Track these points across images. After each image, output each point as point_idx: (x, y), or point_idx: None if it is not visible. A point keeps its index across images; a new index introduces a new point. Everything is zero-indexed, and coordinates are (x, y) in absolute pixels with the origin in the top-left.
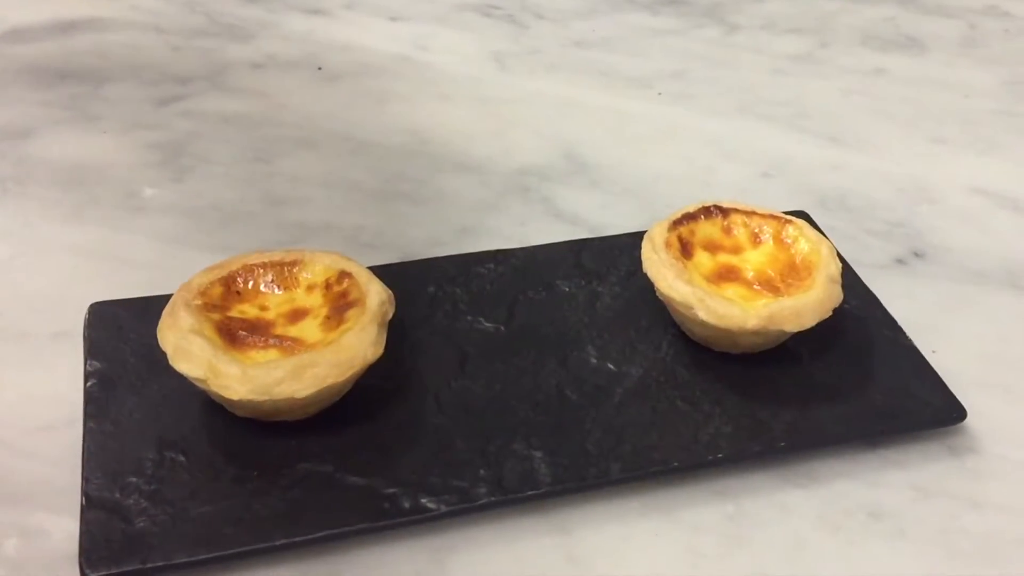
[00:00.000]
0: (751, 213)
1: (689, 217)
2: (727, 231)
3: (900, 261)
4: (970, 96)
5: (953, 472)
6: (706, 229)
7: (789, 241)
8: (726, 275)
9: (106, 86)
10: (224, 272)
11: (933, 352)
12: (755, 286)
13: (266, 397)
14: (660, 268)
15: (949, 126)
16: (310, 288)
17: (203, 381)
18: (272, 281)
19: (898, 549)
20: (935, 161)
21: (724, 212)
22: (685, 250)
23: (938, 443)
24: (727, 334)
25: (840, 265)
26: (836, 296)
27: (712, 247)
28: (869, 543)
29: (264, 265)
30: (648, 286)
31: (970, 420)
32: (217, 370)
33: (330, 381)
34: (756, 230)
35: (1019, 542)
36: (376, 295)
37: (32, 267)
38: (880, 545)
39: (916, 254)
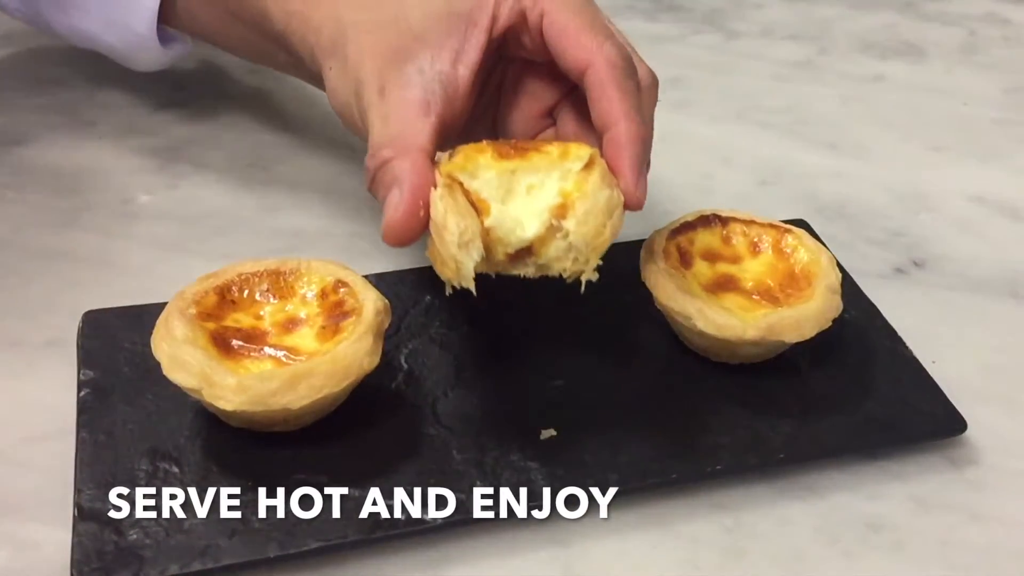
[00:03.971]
0: (750, 222)
1: (688, 226)
2: (726, 240)
3: (899, 270)
4: (969, 104)
5: (953, 484)
6: (705, 238)
7: (788, 251)
8: (725, 285)
9: (101, 91)
10: (219, 281)
11: (933, 362)
12: (754, 296)
13: (261, 408)
14: (658, 278)
15: (948, 134)
16: (306, 297)
17: (197, 391)
18: (267, 290)
19: (897, 561)
20: (934, 169)
21: (723, 221)
22: (684, 259)
23: (938, 455)
24: (726, 344)
25: (840, 275)
26: (836, 306)
27: (711, 256)
28: (868, 555)
29: (259, 274)
30: (646, 295)
31: (971, 431)
32: (211, 380)
33: (325, 392)
34: (755, 239)
35: (1019, 554)
36: (372, 304)
37: (26, 274)
38: (879, 557)
39: (916, 263)
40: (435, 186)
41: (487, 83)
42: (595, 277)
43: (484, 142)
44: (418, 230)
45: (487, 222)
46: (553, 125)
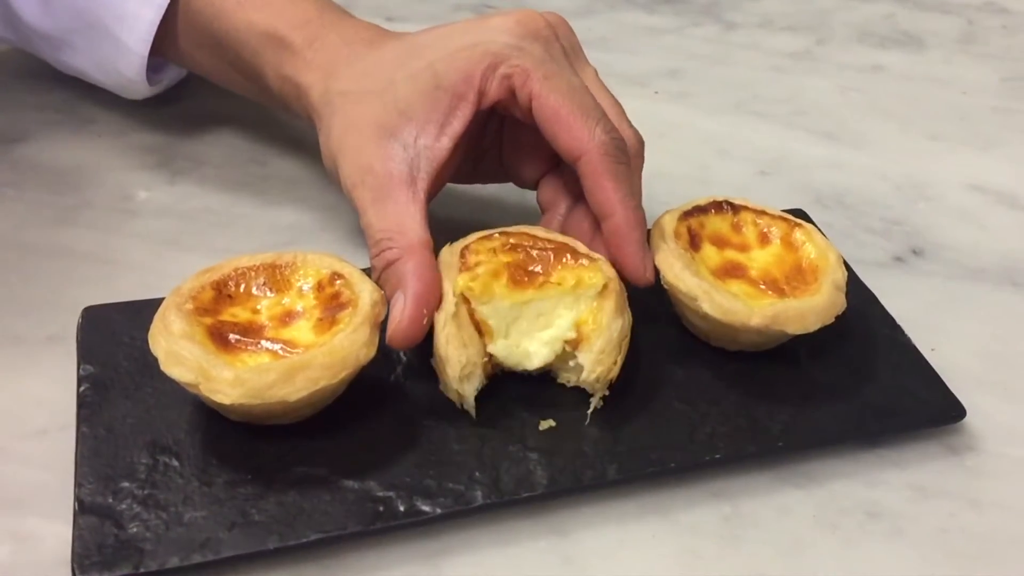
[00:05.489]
0: (761, 212)
1: (699, 210)
2: (736, 228)
3: (898, 259)
4: (968, 93)
5: (952, 471)
6: (715, 223)
7: (797, 244)
8: (732, 271)
9: (99, 88)
10: (215, 276)
11: (932, 350)
12: (760, 285)
13: (258, 401)
14: (667, 257)
15: (947, 123)
16: (302, 290)
17: (194, 386)
18: (264, 284)
19: (896, 549)
20: (933, 158)
21: (735, 208)
22: (693, 242)
23: (937, 442)
24: (728, 329)
25: (846, 274)
26: (840, 304)
27: (720, 242)
28: (867, 543)
29: (256, 268)
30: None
31: (969, 419)
32: (208, 375)
33: (322, 383)
34: (765, 230)
35: (1018, 541)
36: (368, 295)
37: (26, 271)
38: (878, 545)
39: (914, 252)
40: (442, 299)
41: (487, 125)
42: (600, 404)
43: (501, 254)
44: (422, 334)
45: (491, 349)
46: (558, 167)
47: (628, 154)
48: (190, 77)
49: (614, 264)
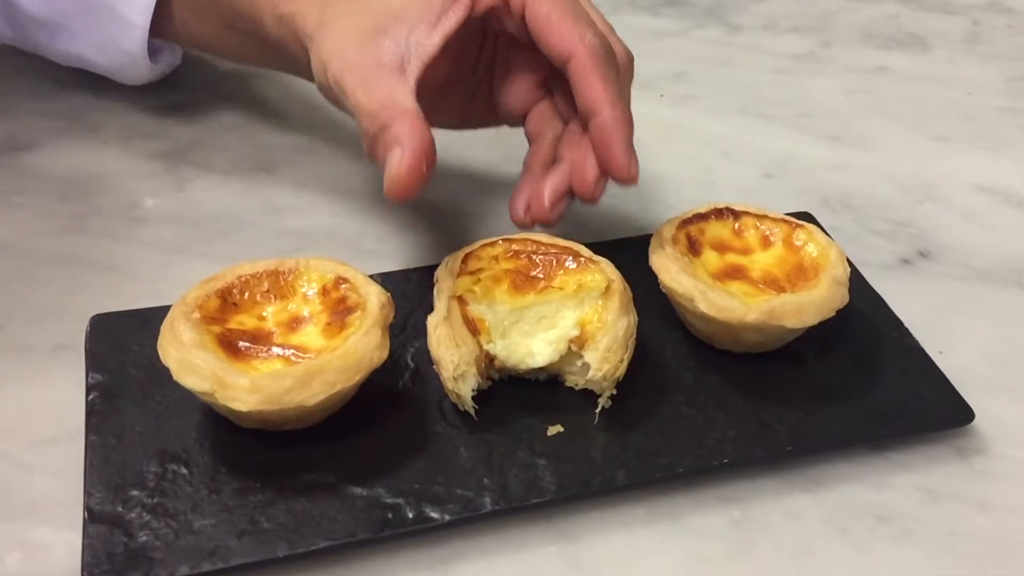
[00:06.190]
0: (763, 216)
1: (699, 217)
2: (738, 233)
3: (905, 261)
4: (974, 93)
5: (961, 474)
6: (716, 229)
7: (799, 244)
8: (732, 274)
9: (105, 95)
10: (219, 284)
11: (940, 353)
12: (760, 285)
13: (276, 406)
14: (665, 261)
15: (953, 124)
16: (307, 295)
17: (210, 394)
18: (268, 290)
19: (906, 552)
20: (939, 159)
21: (735, 214)
22: (693, 247)
23: (945, 445)
24: (728, 329)
25: (848, 269)
26: (840, 297)
27: (721, 247)
28: (876, 546)
29: (259, 275)
30: (653, 290)
31: (978, 421)
32: (224, 382)
33: (339, 387)
34: (767, 233)
35: None
36: (376, 298)
37: (33, 279)
38: (887, 548)
39: (921, 253)
40: (435, 295)
41: (479, 59)
42: (609, 404)
43: (503, 261)
44: (419, 187)
45: (490, 348)
46: (548, 96)
47: (616, 60)
48: (195, 83)
49: (600, 162)
